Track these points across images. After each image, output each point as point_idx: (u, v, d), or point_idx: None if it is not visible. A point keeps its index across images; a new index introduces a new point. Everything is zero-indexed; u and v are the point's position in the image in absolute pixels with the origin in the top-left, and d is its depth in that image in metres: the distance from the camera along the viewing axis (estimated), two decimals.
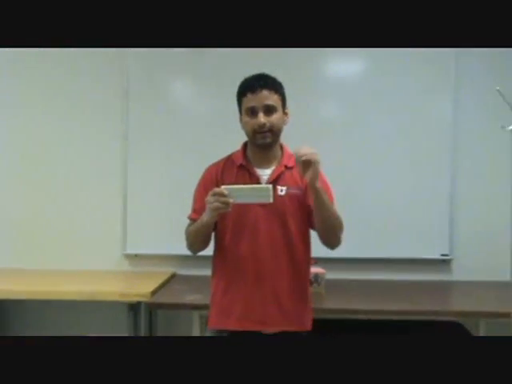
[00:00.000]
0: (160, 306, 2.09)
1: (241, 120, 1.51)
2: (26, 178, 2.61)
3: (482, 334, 2.11)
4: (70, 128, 2.60)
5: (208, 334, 1.58)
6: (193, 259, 1.86)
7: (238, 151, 1.55)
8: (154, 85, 2.54)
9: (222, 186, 1.34)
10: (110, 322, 2.43)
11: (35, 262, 2.56)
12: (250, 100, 1.44)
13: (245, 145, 1.56)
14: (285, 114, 1.50)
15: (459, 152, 2.47)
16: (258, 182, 1.48)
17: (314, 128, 2.46)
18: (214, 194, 1.33)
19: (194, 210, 1.54)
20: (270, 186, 1.36)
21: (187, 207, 1.57)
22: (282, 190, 1.48)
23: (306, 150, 1.32)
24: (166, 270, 2.50)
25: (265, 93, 1.43)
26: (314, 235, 1.53)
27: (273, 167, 1.51)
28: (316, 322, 1.57)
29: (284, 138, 1.56)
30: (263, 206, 1.40)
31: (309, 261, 1.56)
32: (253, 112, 1.44)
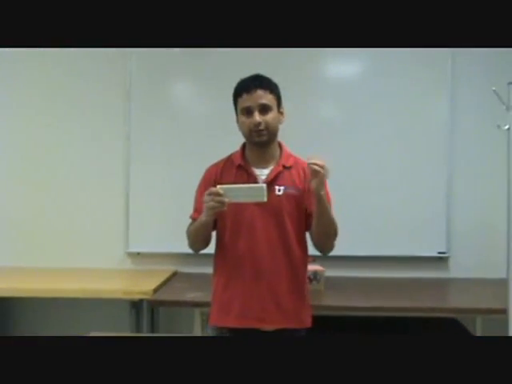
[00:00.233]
0: (162, 303, 2.12)
1: (237, 121, 1.53)
2: (29, 179, 2.63)
3: (478, 330, 2.14)
4: (73, 128, 2.62)
5: (209, 331, 1.61)
6: (194, 257, 1.89)
7: (237, 152, 1.58)
8: (156, 85, 2.56)
9: (218, 186, 1.37)
10: (113, 319, 2.45)
11: (38, 260, 2.58)
12: (246, 100, 1.46)
13: (244, 145, 1.58)
14: (280, 113, 1.52)
15: (456, 151, 2.49)
16: (256, 182, 1.50)
17: (312, 128, 2.48)
18: (210, 194, 1.36)
19: (195, 210, 1.56)
20: (264, 185, 1.39)
21: (188, 206, 1.59)
22: (279, 190, 1.50)
23: (318, 160, 1.36)
24: (168, 268, 2.52)
25: (259, 92, 1.46)
26: None
27: (271, 167, 1.53)
28: (315, 319, 1.59)
29: (283, 138, 1.58)
30: (260, 204, 1.42)
31: (305, 259, 1.58)
32: (248, 112, 1.47)
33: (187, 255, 2.12)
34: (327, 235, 1.49)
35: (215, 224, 1.52)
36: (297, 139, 1.69)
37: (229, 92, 1.55)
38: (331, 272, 2.25)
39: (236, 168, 1.54)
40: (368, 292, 2.22)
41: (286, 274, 1.51)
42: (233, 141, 1.59)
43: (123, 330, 2.26)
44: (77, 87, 2.61)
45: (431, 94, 2.49)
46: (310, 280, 2.12)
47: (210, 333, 1.60)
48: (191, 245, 1.57)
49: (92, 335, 1.47)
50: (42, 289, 2.18)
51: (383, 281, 2.42)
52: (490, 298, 2.08)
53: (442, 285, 2.43)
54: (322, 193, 1.39)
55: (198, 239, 1.53)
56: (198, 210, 1.53)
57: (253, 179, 1.51)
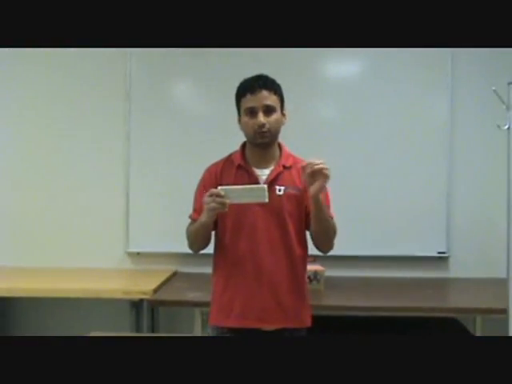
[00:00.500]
0: (162, 303, 2.12)
1: (239, 121, 1.52)
2: (29, 179, 2.63)
3: (478, 330, 2.14)
4: (73, 129, 2.62)
5: (209, 330, 1.61)
6: (194, 257, 1.89)
7: (237, 151, 1.57)
8: (156, 86, 2.56)
9: (219, 187, 1.37)
10: (113, 319, 2.45)
11: (38, 260, 2.58)
12: (250, 100, 1.46)
13: (243, 145, 1.58)
14: (283, 114, 1.52)
15: (456, 151, 2.50)
16: (257, 182, 1.49)
17: (312, 128, 2.49)
18: (211, 195, 1.36)
19: (195, 210, 1.56)
20: (265, 186, 1.39)
21: (188, 206, 1.59)
22: (280, 190, 1.50)
23: (318, 161, 1.34)
24: (168, 268, 2.52)
25: (264, 93, 1.45)
26: None
27: (271, 167, 1.53)
28: (315, 318, 1.59)
29: (283, 138, 1.58)
30: (261, 205, 1.42)
31: (306, 258, 1.59)
32: (252, 112, 1.46)
33: (187, 255, 2.11)
34: (326, 235, 1.50)
35: (215, 224, 1.52)
36: (297, 139, 1.69)
37: (229, 92, 1.55)
38: (331, 272, 2.25)
39: (236, 168, 1.54)
40: (368, 292, 2.22)
41: (286, 274, 1.51)
42: (233, 141, 1.58)
43: (123, 329, 2.26)
44: (77, 87, 2.61)
45: (431, 93, 2.49)
46: (310, 280, 2.13)
47: (210, 333, 1.60)
48: (191, 245, 1.56)
49: (92, 335, 1.47)
50: (41, 289, 2.18)
51: (383, 281, 2.42)
52: (490, 298, 2.08)
53: (442, 284, 2.44)
54: (321, 197, 1.39)
55: (197, 239, 1.53)
56: (197, 210, 1.53)
57: (253, 179, 1.51)
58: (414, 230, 2.48)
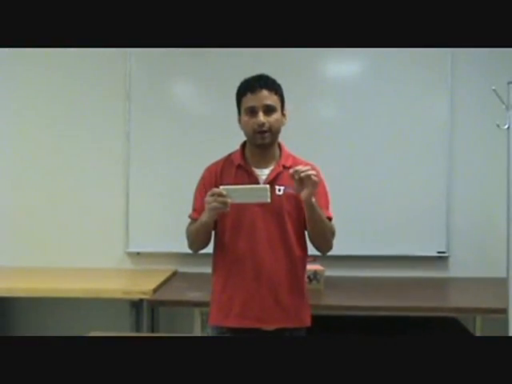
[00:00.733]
0: (162, 303, 2.12)
1: (240, 120, 1.53)
2: (29, 179, 2.64)
3: (478, 329, 2.14)
4: (73, 129, 2.62)
5: (209, 330, 1.61)
6: (194, 257, 1.89)
7: (236, 151, 1.57)
8: (156, 85, 2.57)
9: (221, 187, 1.37)
10: (113, 319, 2.45)
11: (38, 260, 2.58)
12: (250, 100, 1.46)
13: (243, 145, 1.58)
14: (283, 115, 1.52)
15: (456, 150, 2.50)
16: (257, 182, 1.50)
17: (311, 128, 2.49)
18: (213, 194, 1.36)
19: (195, 210, 1.56)
20: (268, 186, 1.39)
21: (188, 206, 1.59)
22: (279, 190, 1.50)
23: (305, 168, 1.35)
24: (168, 268, 2.52)
25: (265, 93, 1.45)
26: None
27: (271, 167, 1.53)
28: (315, 318, 1.60)
29: (283, 138, 1.58)
30: (261, 205, 1.42)
31: (305, 258, 1.59)
32: (252, 112, 1.46)
33: (187, 255, 2.12)
34: (323, 237, 1.50)
35: (215, 224, 1.52)
36: (297, 139, 1.69)
37: (229, 92, 1.55)
38: (331, 272, 2.26)
39: (236, 168, 1.54)
40: (368, 292, 2.22)
41: (286, 274, 1.51)
42: (233, 141, 1.59)
43: (123, 329, 2.26)
44: (77, 87, 2.62)
45: (431, 93, 2.50)
46: (310, 279, 2.13)
47: (209, 333, 1.60)
48: (191, 245, 1.57)
49: (92, 335, 1.47)
50: (42, 289, 2.18)
51: (383, 280, 2.42)
52: (490, 298, 2.08)
53: (442, 284, 2.44)
54: (313, 200, 1.40)
55: (198, 239, 1.53)
56: (197, 209, 1.53)
57: (253, 179, 1.51)
58: (414, 230, 2.48)
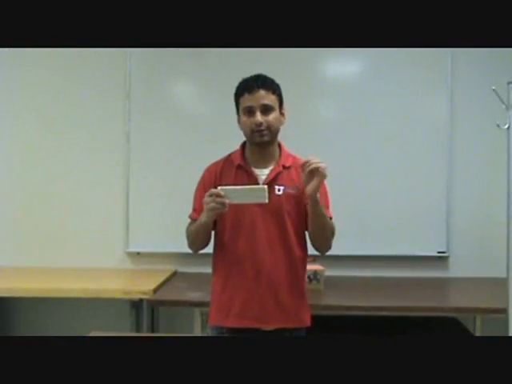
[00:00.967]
0: (162, 303, 2.12)
1: (239, 120, 1.53)
2: (29, 179, 2.63)
3: (478, 329, 2.14)
4: (73, 129, 2.62)
5: (208, 331, 1.61)
6: (194, 257, 1.89)
7: (236, 151, 1.57)
8: (156, 85, 2.56)
9: (219, 187, 1.37)
10: (113, 319, 2.45)
11: (38, 260, 2.58)
12: (248, 100, 1.46)
13: (243, 145, 1.58)
14: (282, 114, 1.52)
15: (456, 150, 2.50)
16: (256, 182, 1.50)
17: (311, 128, 2.49)
18: (211, 195, 1.36)
19: (195, 210, 1.56)
20: (266, 186, 1.39)
21: (188, 206, 1.59)
22: (279, 190, 1.50)
23: (318, 160, 1.35)
24: (168, 268, 2.52)
25: (262, 92, 1.45)
26: None
27: (271, 167, 1.53)
28: (315, 318, 1.60)
29: (283, 138, 1.58)
30: (260, 205, 1.42)
31: (305, 258, 1.59)
32: (250, 111, 1.46)
33: (187, 255, 2.12)
34: (323, 236, 1.50)
35: (214, 224, 1.52)
36: (297, 139, 1.70)
37: (229, 92, 1.55)
38: (331, 271, 2.26)
39: (236, 168, 1.54)
40: (368, 292, 2.22)
41: (286, 274, 1.51)
42: (233, 141, 1.59)
43: (123, 329, 2.26)
44: (77, 87, 2.62)
45: (431, 93, 2.50)
46: (310, 279, 2.13)
47: (209, 333, 1.60)
48: (190, 245, 1.57)
49: (92, 335, 1.47)
50: (41, 289, 2.18)
51: (383, 280, 2.42)
52: (490, 298, 2.08)
53: (442, 284, 2.44)
54: (318, 196, 1.39)
55: (197, 239, 1.53)
56: (197, 209, 1.53)
57: (253, 179, 1.51)
58: (414, 230, 2.48)
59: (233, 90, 1.52)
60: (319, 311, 1.75)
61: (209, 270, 1.61)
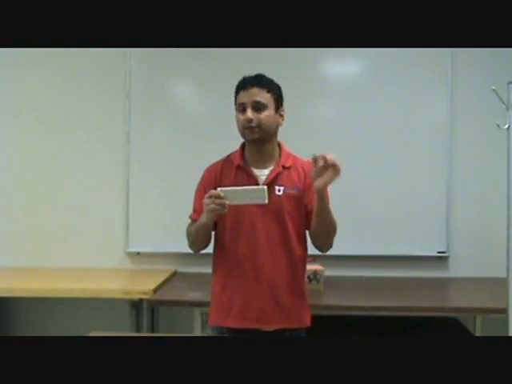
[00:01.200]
0: (162, 303, 2.12)
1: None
2: (29, 179, 2.63)
3: (478, 329, 2.14)
4: (73, 129, 2.62)
5: (208, 331, 1.61)
6: (194, 257, 1.89)
7: (236, 151, 1.57)
8: (156, 85, 2.56)
9: (219, 188, 1.37)
10: (113, 319, 2.45)
11: (38, 260, 2.58)
12: (241, 96, 1.47)
13: (243, 145, 1.58)
14: (280, 115, 1.51)
15: (455, 150, 2.50)
16: (256, 183, 1.49)
17: (311, 128, 2.49)
18: (211, 196, 1.36)
19: (195, 210, 1.56)
20: (265, 187, 1.38)
21: (188, 206, 1.59)
22: (279, 190, 1.50)
23: (330, 155, 1.35)
24: (168, 268, 2.52)
25: (255, 90, 1.46)
26: None
27: (270, 167, 1.53)
28: (315, 318, 1.60)
29: (283, 138, 1.58)
30: (260, 205, 1.41)
31: (305, 258, 1.58)
32: (243, 108, 1.47)
33: (187, 255, 2.12)
34: (327, 233, 1.49)
35: (215, 224, 1.52)
36: (297, 139, 1.69)
37: (229, 92, 1.55)
38: (331, 271, 2.26)
39: (235, 168, 1.54)
40: (367, 291, 2.22)
41: (286, 275, 1.51)
42: (233, 141, 1.58)
43: (123, 329, 2.26)
44: (77, 87, 2.62)
45: (431, 93, 2.50)
46: (310, 280, 2.13)
47: (209, 333, 1.60)
48: (191, 245, 1.57)
49: (92, 335, 1.47)
50: (41, 289, 2.18)
51: (383, 280, 2.42)
52: (490, 298, 2.08)
53: (442, 284, 2.44)
54: (326, 191, 1.39)
55: (197, 240, 1.53)
56: (197, 210, 1.53)
57: (253, 180, 1.51)
58: (414, 230, 2.48)
59: (233, 90, 1.52)
60: (319, 311, 1.75)
61: (209, 270, 1.61)
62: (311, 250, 1.57)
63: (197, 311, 2.06)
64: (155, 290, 2.12)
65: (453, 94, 2.48)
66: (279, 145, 1.57)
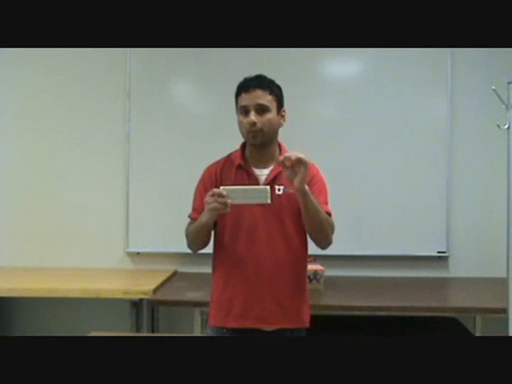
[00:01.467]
0: (162, 302, 2.12)
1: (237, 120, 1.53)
2: (29, 179, 2.64)
3: (478, 329, 2.14)
4: (73, 129, 2.62)
5: (208, 330, 1.61)
6: (194, 257, 1.89)
7: (236, 151, 1.57)
8: (156, 85, 2.57)
9: (221, 187, 1.36)
10: (113, 319, 2.45)
11: (38, 260, 2.58)
12: (244, 99, 1.46)
13: (243, 145, 1.57)
14: (281, 116, 1.51)
15: (455, 150, 2.50)
16: (256, 182, 1.49)
17: (311, 128, 2.49)
18: (213, 195, 1.35)
19: (194, 210, 1.56)
20: (268, 187, 1.37)
21: (188, 206, 1.59)
22: (279, 190, 1.50)
23: (293, 153, 1.33)
24: (168, 268, 2.52)
25: (258, 92, 1.45)
26: None
27: (271, 167, 1.52)
28: (315, 318, 1.60)
29: (283, 138, 1.58)
30: (261, 205, 1.41)
31: (306, 258, 1.58)
32: (245, 111, 1.46)
33: (187, 255, 2.12)
34: (320, 230, 1.46)
35: (214, 224, 1.51)
36: (297, 139, 1.69)
37: (229, 92, 1.55)
38: (331, 271, 2.26)
39: (236, 168, 1.53)
40: (368, 291, 2.22)
41: (286, 274, 1.51)
42: (233, 141, 1.58)
43: (123, 329, 2.26)
44: (76, 87, 2.62)
45: (431, 93, 2.50)
46: (310, 280, 2.13)
47: (209, 333, 1.60)
48: (190, 245, 1.56)
49: (92, 335, 1.47)
50: (41, 289, 2.18)
51: (383, 280, 2.42)
52: (490, 298, 2.09)
53: (442, 284, 2.44)
54: (307, 188, 1.37)
55: (197, 239, 1.53)
56: (197, 209, 1.53)
57: (253, 179, 1.50)
58: (414, 230, 2.48)
59: (233, 90, 1.52)
60: (319, 311, 1.76)
61: (209, 269, 1.61)
62: (312, 249, 1.57)
63: (197, 311, 2.06)
64: (155, 290, 2.12)
65: (453, 93, 2.48)
66: (279, 145, 1.57)
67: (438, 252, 2.50)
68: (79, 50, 2.39)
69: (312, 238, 1.52)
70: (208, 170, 1.58)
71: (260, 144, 1.49)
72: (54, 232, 2.62)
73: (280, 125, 1.52)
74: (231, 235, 1.51)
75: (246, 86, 1.46)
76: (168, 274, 2.41)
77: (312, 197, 1.40)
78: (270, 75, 1.52)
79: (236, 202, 1.36)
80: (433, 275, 2.50)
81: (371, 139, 2.50)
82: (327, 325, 2.06)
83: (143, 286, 2.16)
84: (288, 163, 1.32)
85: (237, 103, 1.51)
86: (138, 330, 2.26)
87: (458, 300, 2.28)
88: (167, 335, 1.56)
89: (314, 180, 1.50)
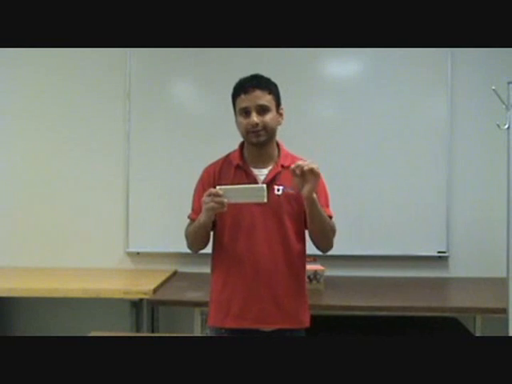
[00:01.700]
0: (162, 302, 2.13)
1: (236, 121, 1.53)
2: (29, 179, 2.64)
3: (478, 329, 2.14)
4: (73, 129, 2.62)
5: (208, 331, 1.61)
6: (194, 257, 1.89)
7: (235, 151, 1.57)
8: (156, 85, 2.57)
9: (218, 187, 1.37)
10: (113, 319, 2.45)
11: (38, 260, 2.58)
12: (243, 100, 1.46)
13: (242, 145, 1.57)
14: (279, 114, 1.51)
15: (455, 150, 2.50)
16: (255, 182, 1.49)
17: (311, 128, 2.49)
18: (210, 195, 1.35)
19: (194, 210, 1.56)
20: (264, 186, 1.38)
21: (188, 206, 1.59)
22: (278, 190, 1.50)
23: (306, 162, 1.34)
24: (168, 268, 2.53)
25: (258, 93, 1.45)
26: None
27: (269, 167, 1.53)
28: (315, 318, 1.60)
29: (282, 138, 1.58)
30: (259, 205, 1.41)
31: (305, 258, 1.58)
32: (246, 112, 1.46)
33: (187, 255, 2.12)
34: (323, 235, 1.49)
35: (213, 224, 1.52)
36: (296, 139, 1.70)
37: (229, 92, 1.55)
38: (331, 271, 2.26)
39: (234, 168, 1.53)
40: (368, 291, 2.22)
41: (285, 275, 1.51)
42: (232, 141, 1.58)
43: (123, 329, 2.26)
44: (76, 87, 2.62)
45: (431, 93, 2.50)
46: (310, 280, 2.13)
47: (209, 333, 1.60)
48: (190, 245, 1.56)
49: (92, 335, 1.47)
50: (41, 289, 2.18)
51: (383, 280, 2.42)
52: (490, 298, 2.09)
53: (442, 284, 2.44)
54: (315, 196, 1.39)
55: (196, 240, 1.53)
56: (196, 210, 1.53)
57: (252, 179, 1.50)
58: (414, 230, 2.48)
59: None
60: (319, 311, 1.76)
61: (209, 269, 1.61)
62: (311, 249, 1.57)
63: (197, 311, 2.06)
64: (155, 290, 2.12)
65: (453, 93, 2.48)
66: (278, 144, 1.57)
67: (438, 252, 2.50)
68: (79, 50, 2.39)
69: (314, 243, 1.53)
70: (207, 171, 1.58)
71: (262, 142, 1.49)
72: (54, 232, 2.62)
73: (279, 123, 1.52)
74: (230, 235, 1.51)
75: (244, 87, 1.46)
76: (168, 274, 2.42)
77: (319, 205, 1.42)
78: (269, 75, 1.52)
79: (233, 201, 1.36)
80: (433, 275, 2.50)
81: (371, 139, 2.50)
82: (327, 325, 2.06)
83: (143, 285, 2.16)
84: (298, 171, 1.33)
85: (234, 104, 1.51)
86: (138, 330, 2.26)
87: (458, 300, 2.28)
88: (167, 335, 1.56)
89: None
